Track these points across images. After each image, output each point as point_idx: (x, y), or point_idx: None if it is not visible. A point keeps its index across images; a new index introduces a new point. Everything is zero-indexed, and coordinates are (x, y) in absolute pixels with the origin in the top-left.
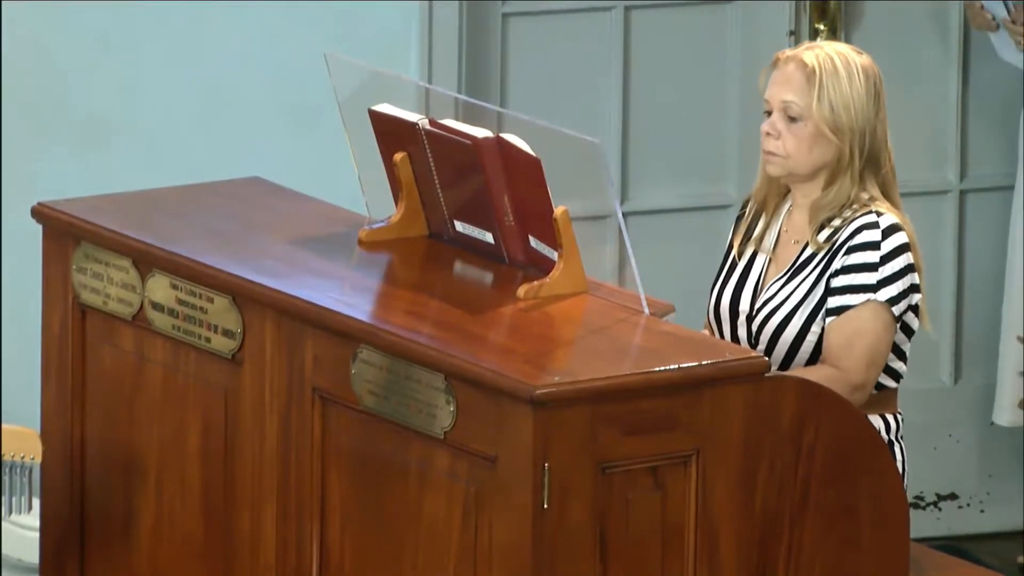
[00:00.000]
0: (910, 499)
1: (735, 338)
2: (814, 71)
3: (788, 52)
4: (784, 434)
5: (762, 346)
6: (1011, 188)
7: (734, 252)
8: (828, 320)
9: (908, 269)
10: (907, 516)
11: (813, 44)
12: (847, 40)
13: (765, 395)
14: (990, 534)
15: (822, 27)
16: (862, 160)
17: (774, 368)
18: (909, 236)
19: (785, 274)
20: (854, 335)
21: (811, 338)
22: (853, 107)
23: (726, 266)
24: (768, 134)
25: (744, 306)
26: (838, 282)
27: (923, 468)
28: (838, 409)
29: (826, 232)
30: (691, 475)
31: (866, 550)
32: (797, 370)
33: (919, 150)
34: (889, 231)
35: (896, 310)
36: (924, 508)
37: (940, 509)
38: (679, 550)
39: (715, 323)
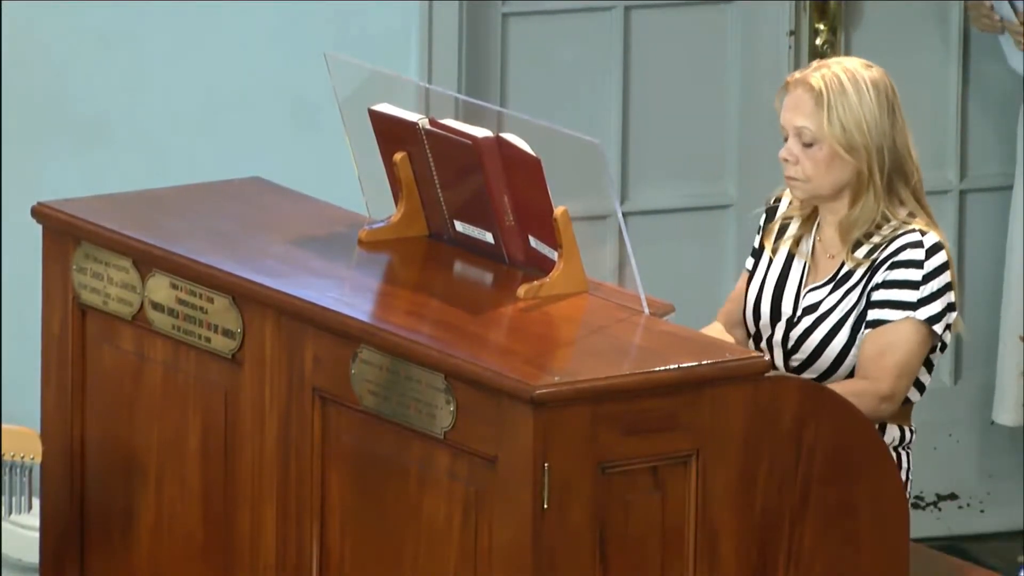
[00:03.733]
0: (910, 499)
1: (771, 341)
2: (821, 93)
3: (797, 75)
4: (784, 434)
5: (804, 355)
6: (1011, 188)
7: (767, 251)
8: (865, 332)
9: (947, 288)
10: (907, 516)
11: (822, 63)
12: (847, 40)
13: (765, 395)
14: (990, 534)
15: (822, 27)
16: (883, 176)
17: (816, 379)
18: (947, 254)
19: (826, 284)
20: (887, 347)
21: (856, 350)
22: (865, 124)
23: (759, 265)
24: (786, 160)
25: (787, 308)
26: (878, 296)
27: (923, 468)
28: (838, 409)
29: (865, 248)
30: (691, 475)
31: (866, 550)
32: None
33: (919, 150)
34: (932, 250)
35: (936, 329)
36: (924, 508)
37: (940, 509)
38: (679, 550)
39: (753, 322)
